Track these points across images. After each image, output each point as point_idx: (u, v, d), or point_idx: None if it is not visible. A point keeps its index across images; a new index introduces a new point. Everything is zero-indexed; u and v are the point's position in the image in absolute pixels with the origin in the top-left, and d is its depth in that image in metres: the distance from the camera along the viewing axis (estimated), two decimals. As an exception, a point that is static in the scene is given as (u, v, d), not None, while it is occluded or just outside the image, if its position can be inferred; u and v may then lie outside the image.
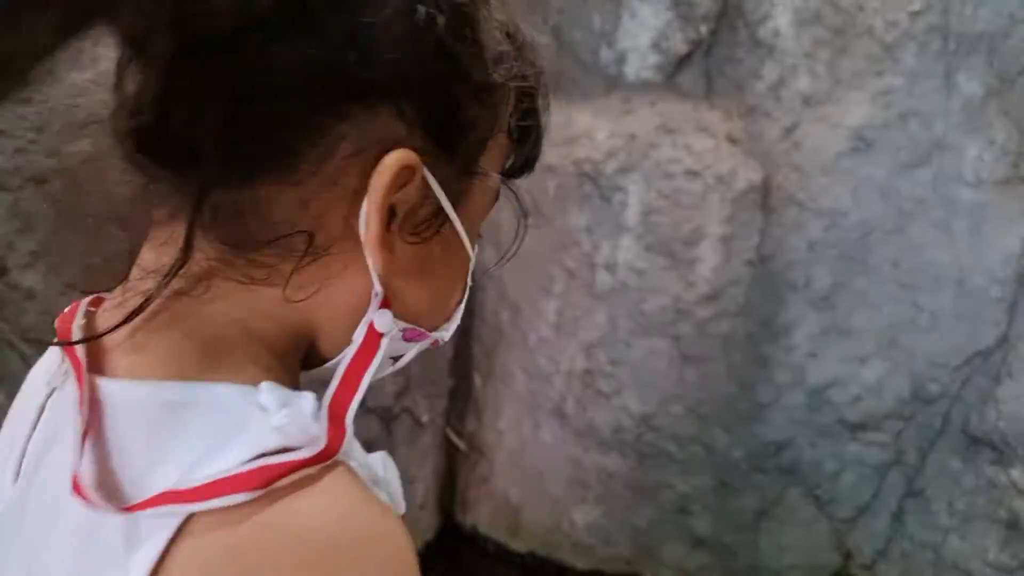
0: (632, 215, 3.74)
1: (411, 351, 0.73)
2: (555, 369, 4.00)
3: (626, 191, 3.72)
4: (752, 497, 3.82)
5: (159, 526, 0.51)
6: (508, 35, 0.67)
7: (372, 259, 0.61)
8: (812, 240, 3.64)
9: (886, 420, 3.77)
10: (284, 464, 0.53)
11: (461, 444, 4.39)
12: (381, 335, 0.63)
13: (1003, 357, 3.48)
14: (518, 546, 4.23)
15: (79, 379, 0.57)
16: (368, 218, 0.60)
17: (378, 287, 0.62)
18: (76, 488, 0.52)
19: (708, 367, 3.76)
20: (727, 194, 3.61)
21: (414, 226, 0.64)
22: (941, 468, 3.76)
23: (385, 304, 0.63)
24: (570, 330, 3.94)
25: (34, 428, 0.64)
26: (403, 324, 0.66)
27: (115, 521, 0.52)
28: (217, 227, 0.60)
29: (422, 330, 0.70)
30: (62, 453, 0.56)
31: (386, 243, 0.62)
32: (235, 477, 0.52)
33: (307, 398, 0.58)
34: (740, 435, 3.78)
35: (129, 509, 0.52)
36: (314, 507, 0.53)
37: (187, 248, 0.58)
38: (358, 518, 0.55)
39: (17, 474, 0.63)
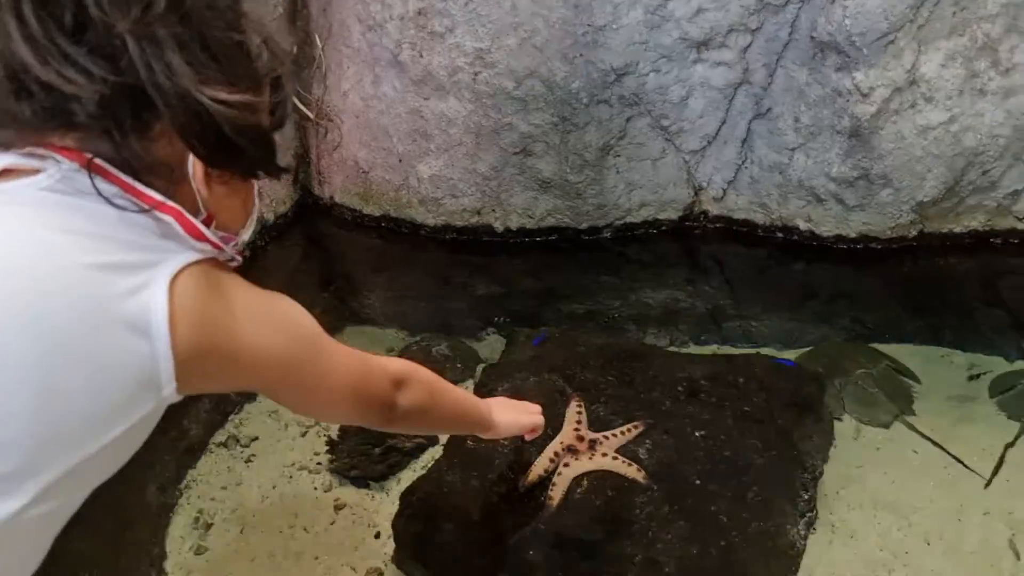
0: None
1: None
2: (389, 15, 3.67)
3: None
4: (596, 132, 3.60)
5: None
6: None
7: (197, 191, 1.06)
8: None
9: (731, 34, 3.48)
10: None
11: (310, 113, 4.16)
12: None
13: (853, -50, 3.15)
14: (372, 210, 4.09)
15: None
16: (192, 167, 1.04)
17: (202, 209, 1.08)
18: None
19: (541, -10, 3.43)
20: None
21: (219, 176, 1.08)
22: (788, 82, 3.50)
23: (207, 221, 1.08)
24: (398, -32, 3.59)
25: None
26: (221, 233, 1.11)
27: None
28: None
29: (233, 237, 1.15)
30: None
31: (206, 182, 1.06)
32: None
33: None
34: (578, 64, 3.50)
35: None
36: None
37: None
38: None
39: None
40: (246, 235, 1.18)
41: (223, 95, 0.97)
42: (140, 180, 1.00)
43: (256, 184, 1.18)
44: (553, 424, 2.36)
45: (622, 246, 3.83)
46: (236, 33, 1.02)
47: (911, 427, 2.72)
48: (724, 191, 3.74)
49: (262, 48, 1.05)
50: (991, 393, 2.85)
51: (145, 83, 0.94)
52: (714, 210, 3.82)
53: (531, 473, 2.26)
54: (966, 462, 2.57)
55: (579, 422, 2.40)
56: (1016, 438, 2.65)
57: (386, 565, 2.34)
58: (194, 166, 1.03)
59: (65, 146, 0.97)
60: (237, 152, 1.03)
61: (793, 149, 3.49)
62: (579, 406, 2.45)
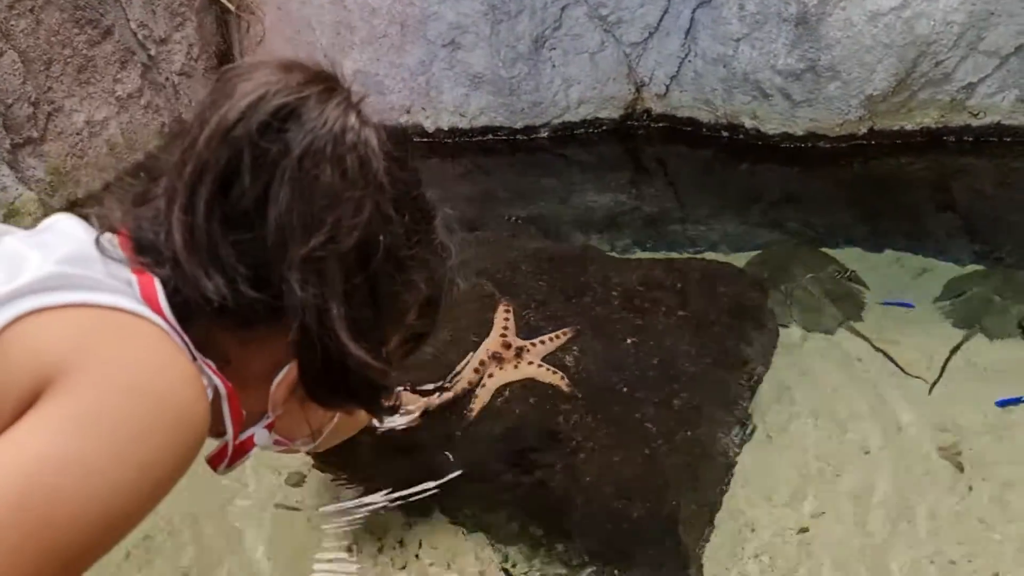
0: None
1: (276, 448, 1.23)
2: None
3: None
4: (529, 22, 3.35)
5: None
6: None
7: (272, 401, 1.03)
8: None
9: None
10: None
11: (231, 5, 3.85)
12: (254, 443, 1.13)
13: None
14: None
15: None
16: (280, 379, 1.01)
17: (270, 414, 1.07)
18: None
19: None
20: None
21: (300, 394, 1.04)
22: (734, -34, 3.28)
23: (269, 426, 1.10)
24: None
25: None
26: (276, 436, 1.16)
27: None
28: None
29: (287, 442, 1.21)
30: None
31: (285, 401, 1.04)
32: None
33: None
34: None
35: None
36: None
37: None
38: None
39: None
40: (302, 447, 1.24)
41: (368, 358, 0.96)
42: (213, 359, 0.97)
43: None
44: (481, 331, 2.26)
45: (561, 147, 3.64)
46: (403, 282, 1.02)
47: (856, 333, 2.60)
48: (667, 87, 3.53)
49: (419, 300, 1.07)
50: (940, 298, 2.73)
51: (288, 312, 0.91)
52: (657, 108, 3.62)
53: (456, 384, 2.12)
54: (911, 369, 2.45)
55: (506, 328, 2.25)
56: (960, 344, 2.54)
57: (309, 470, 2.22)
58: (280, 387, 1.02)
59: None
60: (349, 397, 1.04)
61: (738, 40, 3.28)
62: (507, 312, 2.29)
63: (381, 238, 0.93)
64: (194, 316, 0.90)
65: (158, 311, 0.88)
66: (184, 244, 0.88)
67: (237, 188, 0.88)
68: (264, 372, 0.99)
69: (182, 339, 0.90)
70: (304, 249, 0.87)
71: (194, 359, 0.91)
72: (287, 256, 0.87)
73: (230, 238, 0.88)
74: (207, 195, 0.88)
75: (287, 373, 0.98)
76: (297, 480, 2.21)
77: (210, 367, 0.93)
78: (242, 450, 1.10)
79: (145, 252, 0.92)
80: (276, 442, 1.12)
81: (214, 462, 1.11)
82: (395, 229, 0.97)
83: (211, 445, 1.11)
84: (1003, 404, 2.26)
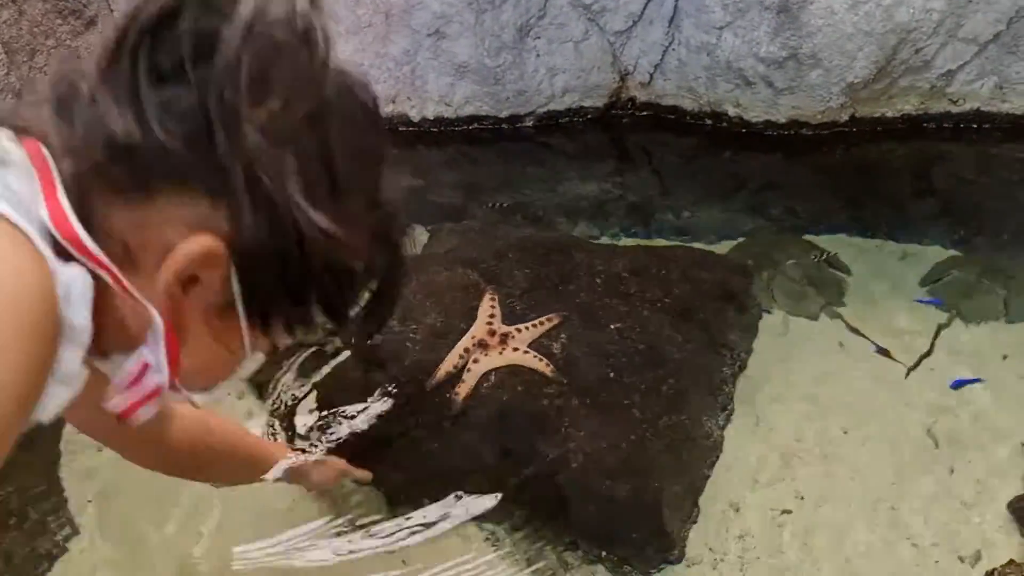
0: None
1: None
2: None
3: None
4: (513, 11, 3.36)
5: None
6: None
7: (155, 300, 0.76)
8: None
9: None
10: None
11: None
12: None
13: None
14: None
15: None
16: (164, 269, 0.74)
17: (158, 320, 0.79)
18: None
19: None
20: None
21: (205, 303, 0.79)
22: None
23: (171, 348, 0.81)
24: None
25: None
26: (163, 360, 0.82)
27: None
28: None
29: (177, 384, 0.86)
30: None
31: (173, 296, 0.76)
32: None
33: None
34: (494, -65, 3.24)
35: None
36: None
37: None
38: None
39: None
40: (196, 397, 0.94)
41: (328, 223, 0.77)
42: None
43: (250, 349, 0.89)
44: (468, 319, 2.28)
45: (546, 136, 3.65)
46: (365, 175, 0.84)
47: (838, 318, 2.63)
48: (651, 75, 3.55)
49: (384, 206, 0.87)
50: (921, 283, 2.77)
51: (228, 166, 0.73)
52: (641, 96, 3.64)
53: (440, 370, 2.14)
54: (892, 353, 2.49)
55: (492, 316, 2.27)
56: (941, 328, 2.57)
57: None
58: (170, 266, 0.76)
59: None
60: (303, 289, 0.81)
61: (721, 28, 3.30)
62: (492, 300, 2.32)
63: (336, 109, 0.79)
64: (82, 171, 0.75)
65: (45, 173, 0.74)
66: (100, 74, 0.75)
67: (170, 42, 0.74)
68: (157, 260, 0.77)
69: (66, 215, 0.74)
70: (254, 115, 0.74)
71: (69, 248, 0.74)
72: (234, 120, 0.73)
73: (159, 91, 0.74)
74: (134, 42, 0.74)
75: (177, 251, 0.75)
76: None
77: (90, 254, 0.75)
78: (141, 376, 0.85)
79: (59, 109, 0.77)
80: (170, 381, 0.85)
81: (130, 407, 0.87)
82: (350, 107, 0.82)
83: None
84: (957, 385, 2.29)
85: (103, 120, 0.74)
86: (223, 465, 1.66)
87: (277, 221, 0.75)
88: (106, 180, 0.75)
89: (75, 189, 0.75)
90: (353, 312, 0.89)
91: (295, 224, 0.75)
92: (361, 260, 0.86)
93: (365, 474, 1.95)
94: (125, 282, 0.77)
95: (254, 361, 0.92)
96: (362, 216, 0.83)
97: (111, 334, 0.81)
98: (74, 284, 0.73)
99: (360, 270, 0.86)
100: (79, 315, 0.74)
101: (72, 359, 0.76)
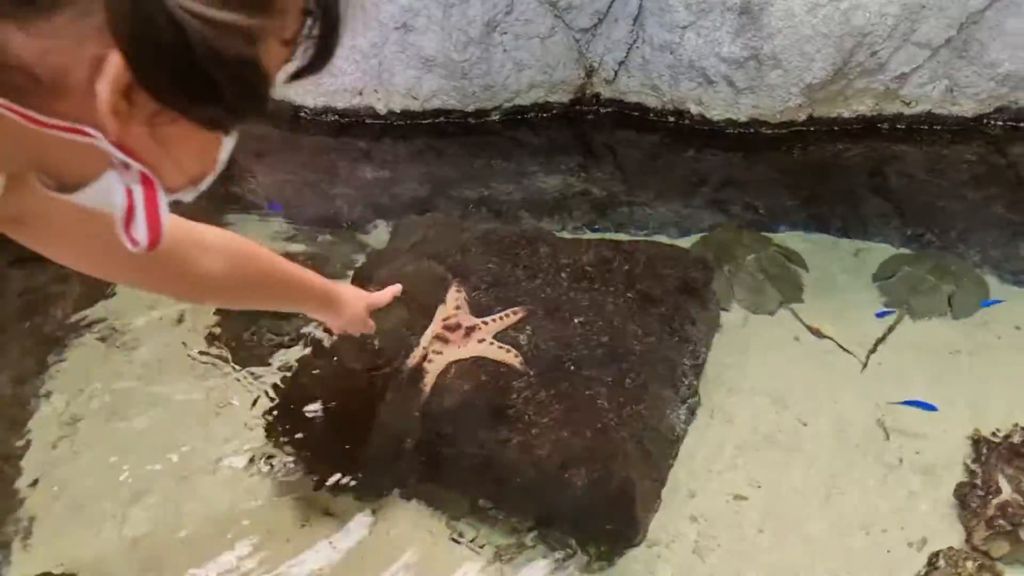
0: None
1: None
2: None
3: None
4: (480, 6, 3.39)
5: None
6: None
7: (101, 111, 0.67)
8: None
9: None
10: None
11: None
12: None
13: None
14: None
15: None
16: (100, 86, 0.66)
17: (125, 158, 0.73)
18: None
19: None
20: None
21: (150, 107, 0.69)
22: (681, -45, 3.36)
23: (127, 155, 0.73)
24: None
25: None
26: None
27: None
28: None
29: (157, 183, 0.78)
30: None
31: (120, 112, 0.68)
32: None
33: None
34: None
35: None
36: None
37: None
38: None
39: None
40: (186, 194, 0.83)
41: (204, 8, 0.63)
42: None
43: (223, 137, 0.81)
44: (433, 311, 2.32)
45: (512, 130, 3.69)
46: None
47: (795, 314, 2.71)
48: (615, 72, 3.61)
49: None
50: (874, 279, 2.86)
51: None
52: (606, 93, 3.69)
53: (407, 362, 2.17)
54: (846, 347, 2.57)
55: (458, 307, 2.31)
56: (894, 323, 2.66)
57: (263, 449, 2.25)
58: (104, 89, 0.67)
59: None
60: (207, 91, 0.68)
61: (684, 27, 3.37)
62: (458, 292, 2.35)
63: None
64: None
65: None
66: None
67: None
68: (90, 80, 0.67)
69: None
70: None
71: None
72: None
73: None
74: None
75: (110, 64, 0.66)
76: (246, 463, 2.24)
77: None
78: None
79: None
80: (142, 179, 0.77)
81: (152, 231, 0.80)
82: None
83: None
84: (909, 404, 2.37)
85: None
86: (266, 291, 1.57)
87: (150, 18, 0.63)
88: None
89: None
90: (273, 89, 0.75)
91: (164, 9, 0.63)
92: (277, 62, 0.73)
93: (387, 293, 1.86)
94: (42, 117, 0.70)
95: (230, 142, 0.82)
96: None
97: (59, 166, 0.77)
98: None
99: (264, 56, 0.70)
100: None
101: None
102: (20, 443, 2.30)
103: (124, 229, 0.80)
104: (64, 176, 0.78)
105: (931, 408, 2.30)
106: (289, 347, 2.58)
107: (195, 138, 0.77)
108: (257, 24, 0.67)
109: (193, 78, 0.67)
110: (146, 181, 0.77)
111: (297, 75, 0.77)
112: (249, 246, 1.47)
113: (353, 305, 1.75)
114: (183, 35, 0.63)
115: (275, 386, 2.33)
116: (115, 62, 0.66)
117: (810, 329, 2.62)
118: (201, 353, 2.55)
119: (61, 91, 0.69)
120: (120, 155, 0.73)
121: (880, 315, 2.68)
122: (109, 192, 0.78)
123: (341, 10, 0.75)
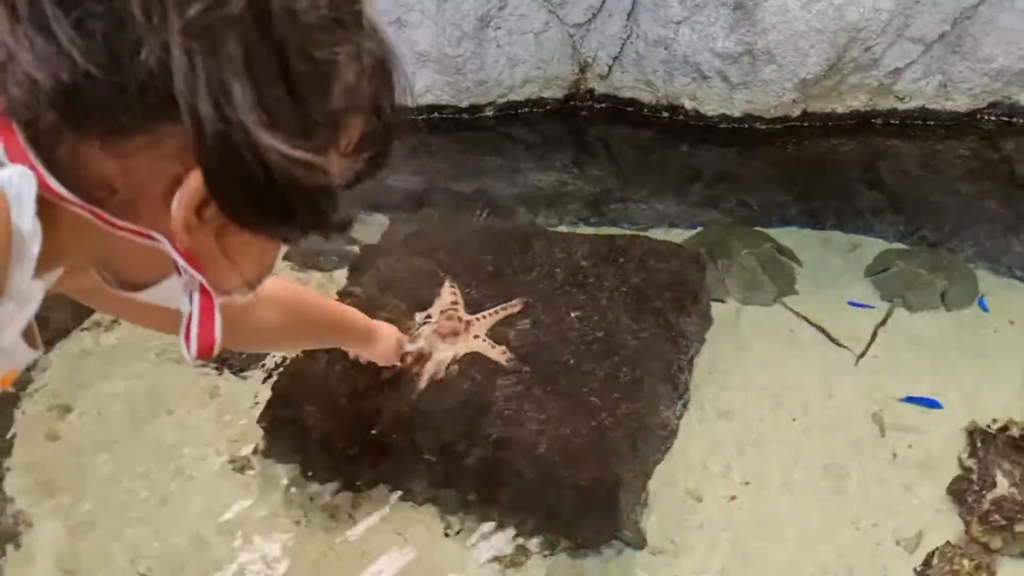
0: None
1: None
2: None
3: None
4: (474, 1, 3.39)
5: None
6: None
7: (174, 224, 0.71)
8: None
9: None
10: None
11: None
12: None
13: None
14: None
15: None
16: (176, 204, 0.70)
17: (188, 269, 0.78)
18: None
19: None
20: None
21: (217, 222, 0.73)
22: (675, -49, 3.36)
23: (192, 265, 0.78)
24: None
25: None
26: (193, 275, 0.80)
27: None
28: None
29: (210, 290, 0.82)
30: None
31: (189, 226, 0.72)
32: None
33: None
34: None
35: None
36: None
37: None
38: None
39: None
40: (238, 295, 0.87)
41: (289, 148, 0.67)
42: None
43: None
44: (427, 307, 2.32)
45: (506, 126, 3.68)
46: (324, 56, 0.70)
47: (789, 308, 2.71)
48: (610, 68, 3.60)
49: (352, 74, 0.72)
50: (867, 274, 2.86)
51: (179, 100, 0.64)
52: (600, 88, 3.69)
53: (401, 360, 2.16)
54: (840, 341, 2.57)
55: (454, 303, 2.30)
56: (887, 317, 2.67)
57: (255, 453, 2.25)
58: (181, 206, 0.71)
59: None
60: (284, 216, 0.73)
61: (678, 23, 3.36)
62: (452, 288, 2.34)
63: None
64: (40, 132, 0.67)
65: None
66: (9, 18, 0.64)
67: None
68: (164, 195, 0.71)
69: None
70: (182, 19, 0.63)
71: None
72: (161, 29, 0.64)
73: (69, 14, 0.64)
74: None
75: (187, 186, 0.70)
76: (243, 465, 2.23)
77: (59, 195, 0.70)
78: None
79: None
80: (201, 289, 0.83)
81: (202, 342, 0.87)
82: None
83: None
84: (910, 400, 2.37)
85: (27, 71, 0.65)
86: (315, 336, 1.74)
87: (236, 153, 0.66)
88: (62, 130, 0.68)
89: (39, 147, 0.69)
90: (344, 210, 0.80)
91: (252, 148, 0.66)
92: (340, 175, 0.77)
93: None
94: (116, 220, 0.73)
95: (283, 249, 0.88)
96: (330, 110, 0.72)
97: (121, 267, 0.83)
98: (10, 183, 0.67)
99: (338, 185, 0.77)
100: (26, 219, 0.68)
101: (26, 272, 0.71)
102: (14, 443, 2.28)
103: (184, 334, 0.85)
104: (124, 276, 0.83)
105: (937, 405, 2.30)
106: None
107: (256, 244, 0.81)
108: (323, 161, 0.72)
109: (272, 204, 0.71)
110: (204, 292, 0.82)
111: (356, 181, 0.82)
112: (300, 293, 1.59)
113: (387, 340, 1.93)
114: (268, 171, 0.68)
115: (273, 386, 2.30)
116: (194, 183, 0.69)
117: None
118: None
119: (136, 202, 0.73)
120: (185, 264, 0.77)
121: (855, 305, 2.68)
122: (171, 294, 0.84)
123: (393, 119, 0.80)
